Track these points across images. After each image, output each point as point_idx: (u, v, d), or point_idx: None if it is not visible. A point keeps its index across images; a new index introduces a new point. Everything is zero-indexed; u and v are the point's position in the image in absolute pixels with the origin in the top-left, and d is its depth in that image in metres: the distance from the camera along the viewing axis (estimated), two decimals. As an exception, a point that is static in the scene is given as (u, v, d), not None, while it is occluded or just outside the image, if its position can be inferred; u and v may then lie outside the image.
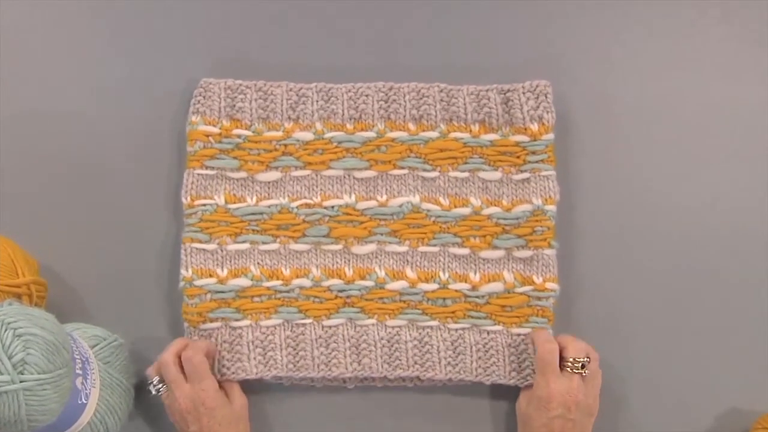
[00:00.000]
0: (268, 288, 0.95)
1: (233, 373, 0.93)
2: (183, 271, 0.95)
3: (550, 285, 0.95)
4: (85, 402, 0.84)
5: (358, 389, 0.96)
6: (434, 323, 0.95)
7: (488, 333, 0.94)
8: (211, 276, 0.95)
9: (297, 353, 0.94)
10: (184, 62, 1.00)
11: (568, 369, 0.90)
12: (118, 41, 1.02)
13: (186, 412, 0.89)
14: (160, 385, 0.91)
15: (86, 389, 0.84)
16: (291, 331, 0.94)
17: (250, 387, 0.96)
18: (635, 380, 0.97)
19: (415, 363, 0.94)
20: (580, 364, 0.90)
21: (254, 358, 0.93)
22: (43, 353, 0.77)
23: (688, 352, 0.97)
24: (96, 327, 0.92)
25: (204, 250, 0.95)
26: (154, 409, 0.96)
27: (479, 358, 0.94)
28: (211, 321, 0.94)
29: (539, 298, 0.95)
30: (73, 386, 0.81)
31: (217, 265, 0.95)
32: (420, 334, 0.95)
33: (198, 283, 0.94)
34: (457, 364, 0.94)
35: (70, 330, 0.88)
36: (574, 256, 0.98)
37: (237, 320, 0.94)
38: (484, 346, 0.94)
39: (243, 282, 0.95)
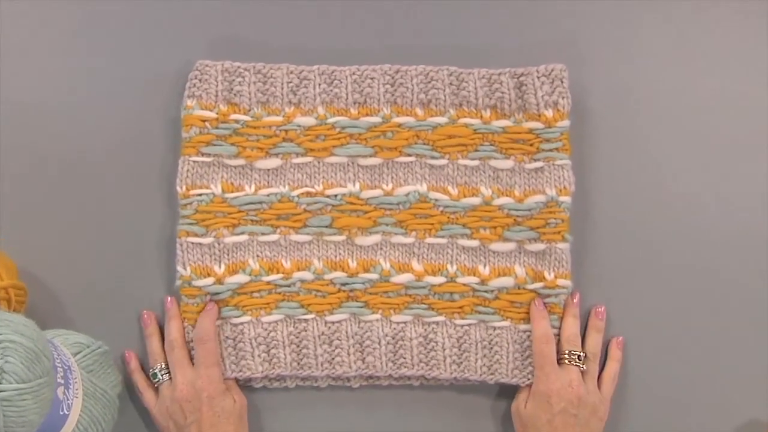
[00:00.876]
0: (268, 282, 0.93)
1: (240, 370, 0.92)
2: (180, 269, 0.93)
3: (561, 282, 0.93)
4: (66, 413, 0.82)
5: (362, 389, 0.95)
6: (440, 319, 0.93)
7: (494, 329, 0.93)
8: (208, 275, 0.93)
9: (300, 350, 0.92)
10: (179, 43, 0.97)
11: (566, 361, 0.90)
12: (107, 20, 0.98)
13: (185, 400, 0.88)
14: (166, 372, 0.91)
15: (68, 399, 0.82)
16: (293, 327, 0.93)
17: (248, 388, 0.95)
18: (650, 386, 0.95)
19: (420, 361, 0.93)
20: (576, 356, 0.90)
21: (258, 356, 0.92)
22: (23, 361, 0.75)
23: (708, 357, 0.95)
24: (79, 333, 0.89)
25: (200, 244, 0.93)
26: (139, 420, 0.94)
27: (484, 356, 0.93)
28: None
29: (549, 295, 0.93)
30: (54, 396, 0.79)
31: (215, 260, 0.93)
32: (425, 330, 0.93)
33: (197, 283, 0.92)
34: (461, 363, 0.93)
35: (51, 337, 0.86)
36: (588, 251, 0.95)
37: (237, 317, 0.93)
38: (489, 343, 0.93)
39: (241, 279, 0.93)
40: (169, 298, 0.93)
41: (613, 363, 0.93)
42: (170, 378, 0.91)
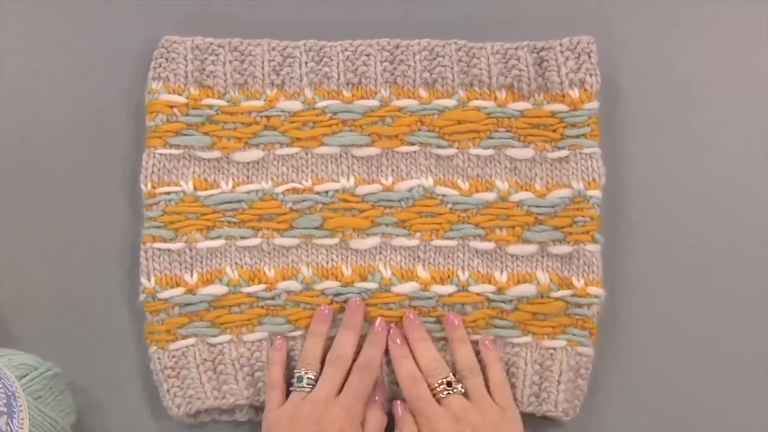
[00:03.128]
0: (249, 294, 0.88)
1: (222, 397, 0.87)
2: (144, 281, 0.88)
3: (592, 290, 0.87)
4: (9, 446, 0.78)
5: None
6: None
7: (513, 346, 0.88)
8: (178, 284, 0.88)
9: (289, 373, 0.87)
10: (142, 16, 0.94)
11: (441, 394, 0.84)
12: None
13: (313, 422, 0.82)
14: (312, 383, 0.84)
15: (12, 431, 0.78)
16: None
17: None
18: (695, 405, 0.89)
19: None
20: (446, 383, 0.84)
21: (243, 380, 0.87)
22: (-41, 387, 0.72)
23: (760, 374, 0.89)
24: (25, 353, 0.85)
25: (168, 250, 0.88)
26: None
27: None
28: (183, 338, 0.87)
29: (579, 305, 0.87)
30: (-5, 428, 0.76)
31: (185, 269, 0.88)
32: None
33: (162, 295, 0.88)
34: None
35: (-9, 357, 0.83)
36: (622, 254, 0.91)
37: (213, 336, 0.88)
38: (506, 363, 0.88)
39: (217, 289, 0.88)
40: (357, 301, 0.87)
41: (493, 366, 0.85)
42: (311, 390, 0.85)
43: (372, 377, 0.85)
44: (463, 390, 0.84)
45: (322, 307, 0.87)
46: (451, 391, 0.83)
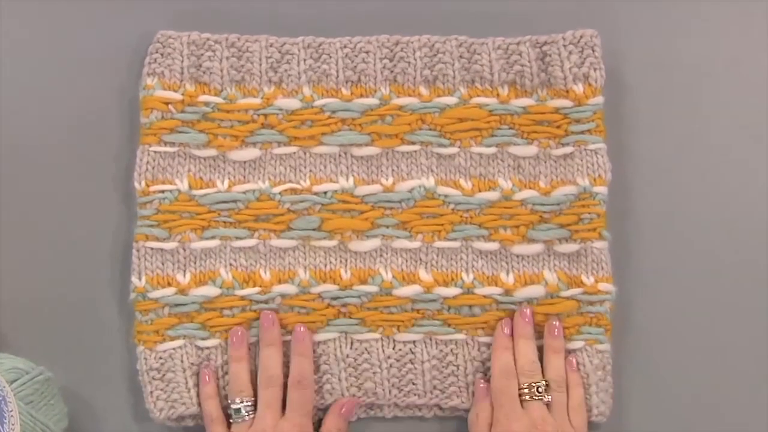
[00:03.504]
0: (242, 297, 0.86)
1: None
2: (135, 280, 0.86)
3: (603, 286, 0.86)
4: (0, 453, 0.77)
5: (360, 421, 0.88)
6: (461, 336, 0.86)
7: None
8: (169, 284, 0.87)
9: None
10: (138, 11, 0.93)
11: (526, 397, 0.83)
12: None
13: None
14: (252, 411, 0.83)
15: None
16: None
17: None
18: (710, 395, 0.88)
19: (435, 388, 0.86)
20: (536, 389, 0.83)
21: (224, 388, 0.86)
22: (-52, 391, 0.71)
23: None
24: (15, 357, 0.84)
25: (162, 249, 0.87)
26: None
27: None
28: (171, 339, 0.86)
29: (591, 303, 0.86)
30: (-15, 433, 0.75)
31: (178, 269, 0.87)
32: (441, 351, 0.86)
33: (153, 295, 0.86)
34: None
35: (-19, 362, 0.83)
36: (631, 250, 0.89)
37: (203, 339, 0.86)
38: None
39: (209, 291, 0.86)
40: (270, 315, 0.85)
41: (576, 389, 0.84)
42: (253, 418, 0.83)
43: (310, 389, 0.83)
44: (548, 400, 0.83)
45: (236, 329, 0.85)
46: (538, 397, 0.83)
